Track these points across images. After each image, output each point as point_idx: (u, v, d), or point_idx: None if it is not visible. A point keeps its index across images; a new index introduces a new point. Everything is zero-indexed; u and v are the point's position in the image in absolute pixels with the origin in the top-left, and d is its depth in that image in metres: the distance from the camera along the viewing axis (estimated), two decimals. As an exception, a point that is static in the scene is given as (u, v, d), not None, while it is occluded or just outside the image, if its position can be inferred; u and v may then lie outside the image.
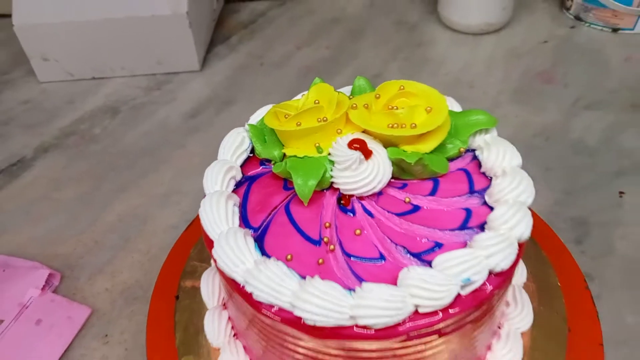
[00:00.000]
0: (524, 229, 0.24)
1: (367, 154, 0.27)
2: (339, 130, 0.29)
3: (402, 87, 0.29)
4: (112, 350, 0.45)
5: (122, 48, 0.76)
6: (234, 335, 0.31)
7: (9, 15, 0.71)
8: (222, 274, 0.25)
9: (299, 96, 0.32)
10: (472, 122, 0.29)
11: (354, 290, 0.23)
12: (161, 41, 0.75)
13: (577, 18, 0.85)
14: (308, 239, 0.26)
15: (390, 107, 0.28)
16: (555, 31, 0.83)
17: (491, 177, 0.28)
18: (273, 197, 0.28)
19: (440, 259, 0.23)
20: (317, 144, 0.28)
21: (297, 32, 0.87)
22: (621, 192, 0.55)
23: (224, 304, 0.32)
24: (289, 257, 0.25)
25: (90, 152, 0.65)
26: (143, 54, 0.76)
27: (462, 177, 0.28)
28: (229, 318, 0.31)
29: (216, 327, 0.31)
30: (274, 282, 0.22)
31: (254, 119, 0.32)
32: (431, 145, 0.27)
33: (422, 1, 0.93)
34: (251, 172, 0.30)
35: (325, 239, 0.26)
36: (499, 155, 0.27)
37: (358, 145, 0.27)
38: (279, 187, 0.29)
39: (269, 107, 0.31)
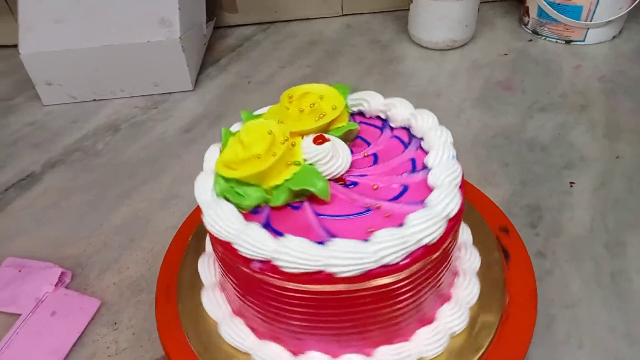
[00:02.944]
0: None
1: (326, 141, 0.34)
2: (293, 144, 0.34)
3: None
4: (121, 334, 0.50)
5: (120, 72, 0.82)
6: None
7: (10, 46, 0.75)
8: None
9: (264, 110, 0.40)
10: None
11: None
12: (157, 65, 0.82)
13: (534, 32, 0.93)
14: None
15: (311, 105, 0.36)
16: (514, 45, 0.91)
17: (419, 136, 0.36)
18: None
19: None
20: (291, 162, 0.33)
21: (280, 54, 0.95)
22: (572, 182, 0.62)
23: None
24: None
25: (94, 165, 0.71)
26: (140, 77, 0.83)
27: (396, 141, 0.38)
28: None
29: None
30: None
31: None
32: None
33: (393, 22, 1.01)
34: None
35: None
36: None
37: (321, 140, 0.34)
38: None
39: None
